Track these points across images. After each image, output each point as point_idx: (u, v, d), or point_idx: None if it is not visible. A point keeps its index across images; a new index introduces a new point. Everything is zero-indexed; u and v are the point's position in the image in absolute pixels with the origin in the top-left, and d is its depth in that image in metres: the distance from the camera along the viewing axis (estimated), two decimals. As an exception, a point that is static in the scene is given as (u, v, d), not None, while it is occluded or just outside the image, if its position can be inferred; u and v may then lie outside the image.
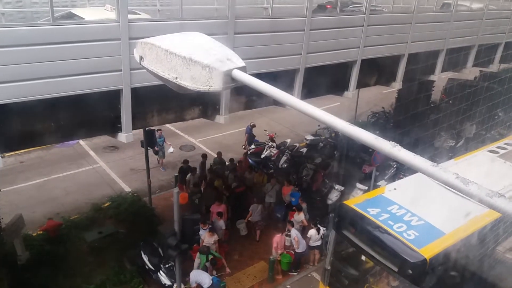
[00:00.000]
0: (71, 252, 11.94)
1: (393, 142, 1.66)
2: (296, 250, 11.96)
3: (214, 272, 11.07)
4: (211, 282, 10.22)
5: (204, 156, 15.70)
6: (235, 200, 13.81)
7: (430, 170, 1.53)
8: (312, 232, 12.01)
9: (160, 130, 16.54)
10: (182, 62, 2.17)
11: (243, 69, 2.12)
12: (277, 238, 12.01)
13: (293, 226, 12.01)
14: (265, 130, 18.95)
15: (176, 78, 2.24)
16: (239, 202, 13.75)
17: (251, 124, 18.77)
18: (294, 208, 12.95)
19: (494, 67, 18.91)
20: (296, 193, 13.70)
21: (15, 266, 10.66)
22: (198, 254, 11.08)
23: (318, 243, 12.17)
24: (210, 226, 11.70)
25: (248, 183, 14.60)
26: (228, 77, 2.08)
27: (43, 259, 11.27)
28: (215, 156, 16.18)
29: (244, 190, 14.25)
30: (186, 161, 15.08)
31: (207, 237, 11.36)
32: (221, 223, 12.21)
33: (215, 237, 11.46)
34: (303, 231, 12.67)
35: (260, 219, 13.18)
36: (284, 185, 14.25)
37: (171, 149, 16.22)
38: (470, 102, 16.78)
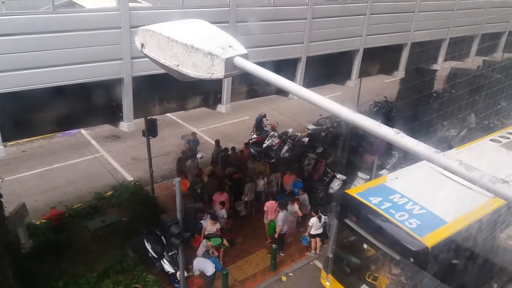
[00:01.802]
0: (74, 240, 12.04)
1: (396, 129, 1.65)
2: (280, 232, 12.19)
3: (217, 254, 11.24)
4: (214, 270, 10.32)
5: (226, 149, 15.70)
6: (234, 185, 14.07)
7: (433, 156, 1.52)
8: (313, 220, 12.07)
9: (194, 133, 16.45)
10: (184, 50, 2.15)
11: (245, 56, 2.10)
12: (268, 204, 12.65)
13: (283, 208, 12.13)
14: (267, 120, 18.94)
15: (178, 65, 2.23)
16: (237, 188, 13.97)
17: (262, 114, 18.76)
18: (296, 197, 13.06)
19: (497, 56, 18.76)
20: (299, 183, 13.72)
21: (19, 254, 10.76)
22: (204, 241, 11.17)
23: (320, 231, 12.24)
24: (208, 215, 11.77)
25: (250, 172, 14.64)
26: (230, 64, 2.06)
27: (46, 247, 11.36)
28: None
29: (241, 176, 14.39)
30: (184, 152, 15.10)
31: (209, 225, 11.46)
32: (223, 212, 12.27)
33: (217, 225, 11.56)
34: (305, 219, 12.84)
35: (254, 197, 13.68)
36: (286, 174, 14.27)
37: (199, 155, 15.96)
38: (473, 92, 16.70)
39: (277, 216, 12.07)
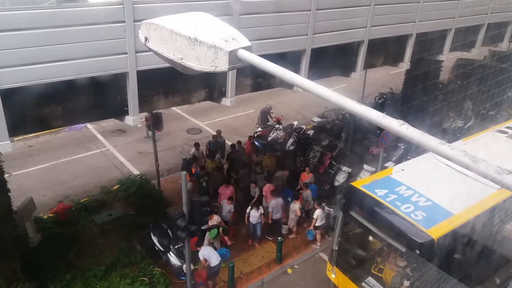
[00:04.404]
0: (81, 234, 12.13)
1: (401, 120, 1.64)
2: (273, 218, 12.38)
3: (217, 245, 11.31)
4: (217, 261, 10.30)
5: (239, 142, 15.66)
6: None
7: (438, 147, 1.51)
8: (318, 212, 12.10)
9: (216, 136, 16.25)
10: (187, 43, 2.15)
11: (249, 48, 2.10)
12: (266, 188, 12.86)
13: (275, 196, 12.34)
14: (272, 113, 18.91)
15: (182, 59, 2.23)
16: (234, 167, 14.39)
17: (268, 106, 18.74)
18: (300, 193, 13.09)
19: (503, 46, 18.57)
20: (313, 186, 13.60)
21: (27, 248, 10.87)
22: (207, 234, 11.20)
23: (323, 222, 12.34)
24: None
25: (254, 166, 14.64)
26: (234, 57, 2.06)
27: (54, 241, 11.46)
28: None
29: (237, 156, 14.75)
30: (193, 156, 14.95)
31: (209, 221, 11.38)
32: (230, 207, 12.26)
33: (217, 218, 11.46)
34: (308, 214, 12.98)
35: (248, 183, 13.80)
36: (304, 172, 14.07)
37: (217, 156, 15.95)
38: (479, 82, 16.56)
39: (269, 203, 12.25)
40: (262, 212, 12.20)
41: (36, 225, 11.67)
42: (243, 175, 13.81)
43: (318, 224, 12.27)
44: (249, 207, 12.17)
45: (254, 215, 12.08)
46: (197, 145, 14.96)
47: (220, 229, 11.30)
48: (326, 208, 12.34)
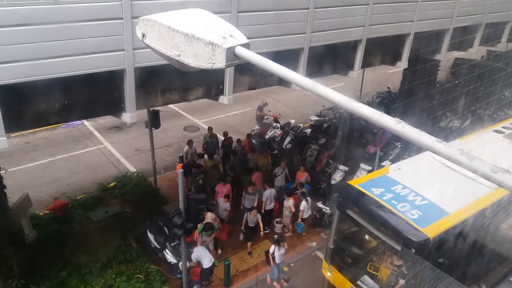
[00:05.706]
0: (77, 231, 12.12)
1: (398, 119, 1.64)
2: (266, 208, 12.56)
3: (211, 245, 11.25)
4: (210, 263, 10.28)
5: (238, 140, 15.66)
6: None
7: (434, 146, 1.51)
8: (303, 204, 12.29)
9: (214, 134, 16.07)
10: (185, 39, 2.14)
11: (246, 46, 2.09)
12: (254, 176, 13.22)
13: (270, 186, 12.61)
14: (269, 111, 18.92)
15: (179, 55, 2.22)
16: (228, 155, 14.79)
17: (263, 103, 18.77)
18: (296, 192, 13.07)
19: (501, 46, 18.59)
20: (307, 186, 13.55)
21: (23, 245, 10.84)
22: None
23: (309, 213, 12.58)
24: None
25: (252, 164, 14.63)
26: (232, 54, 2.05)
27: (50, 238, 11.45)
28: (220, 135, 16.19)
29: (230, 143, 15.29)
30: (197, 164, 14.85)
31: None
32: (227, 205, 12.26)
33: (211, 216, 11.34)
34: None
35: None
36: (299, 171, 14.07)
37: (216, 156, 15.82)
38: (476, 82, 16.59)
39: (263, 193, 12.42)
40: (286, 247, 11.29)
41: (32, 221, 11.64)
42: (234, 163, 14.03)
43: (305, 216, 12.46)
44: (273, 247, 10.76)
45: (280, 253, 10.84)
46: (190, 142, 14.90)
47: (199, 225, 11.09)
48: (309, 199, 12.52)
